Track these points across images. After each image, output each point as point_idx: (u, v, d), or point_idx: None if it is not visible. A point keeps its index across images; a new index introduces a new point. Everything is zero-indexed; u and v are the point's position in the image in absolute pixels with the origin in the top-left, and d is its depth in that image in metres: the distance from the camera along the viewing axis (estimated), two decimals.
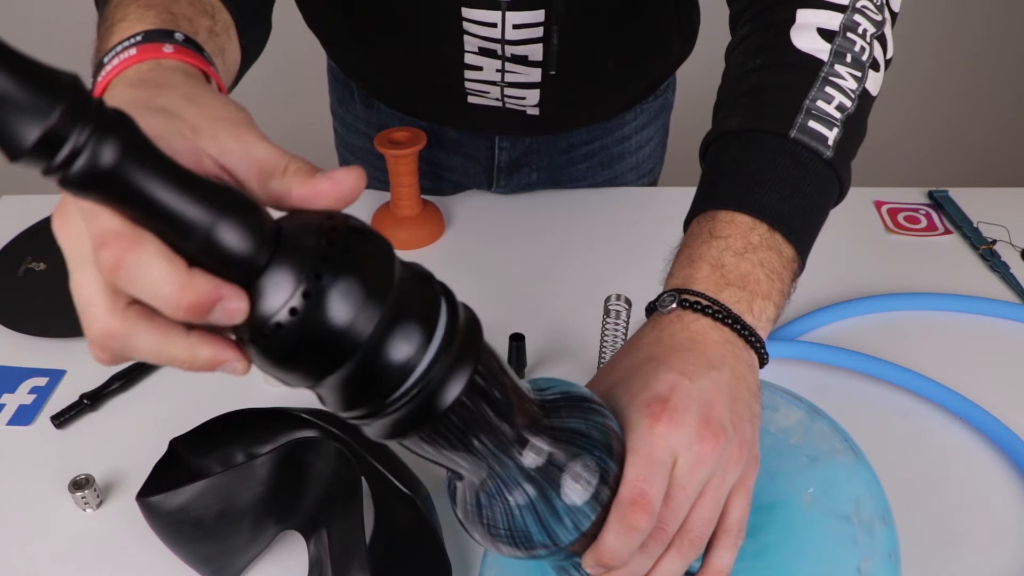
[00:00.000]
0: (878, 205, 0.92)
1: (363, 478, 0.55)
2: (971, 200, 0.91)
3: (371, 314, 0.29)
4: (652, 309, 0.48)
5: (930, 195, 0.93)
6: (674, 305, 0.46)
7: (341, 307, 0.29)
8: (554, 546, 0.38)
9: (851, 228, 0.89)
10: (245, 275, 0.29)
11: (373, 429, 0.33)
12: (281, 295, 0.28)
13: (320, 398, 0.33)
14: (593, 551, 0.39)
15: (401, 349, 0.31)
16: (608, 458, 0.38)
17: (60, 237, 0.31)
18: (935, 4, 2.05)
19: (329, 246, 0.29)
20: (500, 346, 0.71)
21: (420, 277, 0.33)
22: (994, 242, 0.85)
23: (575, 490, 0.37)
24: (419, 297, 0.32)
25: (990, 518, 0.60)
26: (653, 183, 1.03)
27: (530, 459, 0.37)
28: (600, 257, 0.84)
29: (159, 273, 0.27)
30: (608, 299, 0.67)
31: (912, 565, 0.56)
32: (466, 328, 0.33)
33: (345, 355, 0.30)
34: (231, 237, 0.28)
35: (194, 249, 0.28)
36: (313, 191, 0.30)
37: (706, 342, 0.44)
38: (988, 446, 0.65)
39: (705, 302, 0.45)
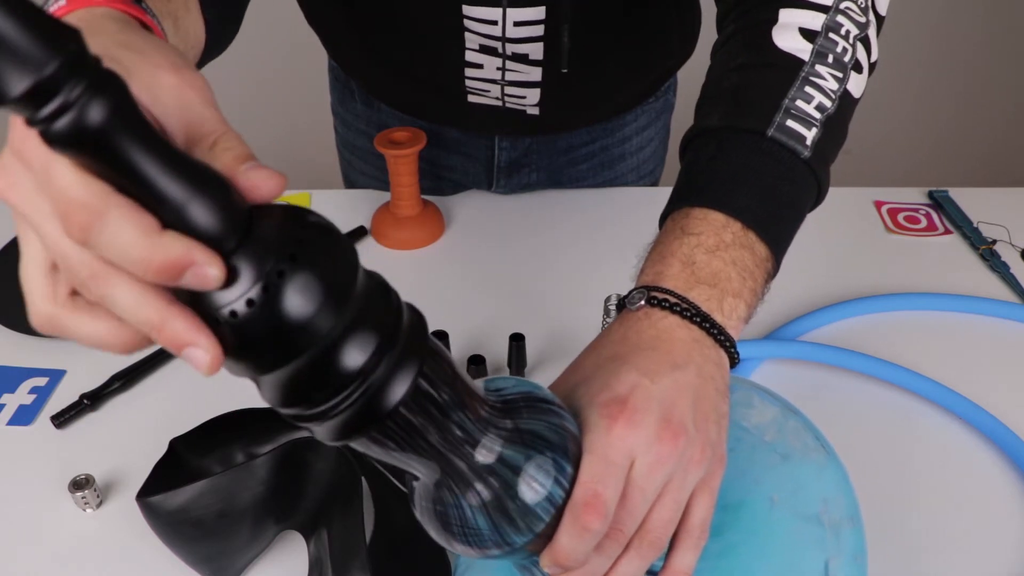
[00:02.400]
0: (878, 205, 0.92)
1: (363, 478, 0.55)
2: (971, 200, 0.91)
3: (325, 319, 0.29)
4: (622, 306, 0.47)
5: (930, 195, 0.93)
6: (642, 302, 0.45)
7: (298, 307, 0.28)
8: (507, 546, 0.38)
9: (851, 228, 0.89)
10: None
11: (321, 431, 0.33)
12: (240, 285, 0.28)
13: (257, 386, 0.33)
14: (549, 552, 0.39)
15: (351, 356, 0.31)
16: (563, 460, 0.38)
17: (10, 198, 0.30)
18: (935, 4, 2.05)
19: (297, 244, 0.29)
20: (500, 346, 0.71)
21: (381, 288, 0.33)
22: (994, 242, 0.85)
23: (527, 492, 0.37)
24: (377, 307, 0.32)
25: (990, 518, 0.60)
26: (654, 184, 1.03)
27: (483, 461, 0.37)
28: (601, 257, 0.84)
29: (128, 238, 0.27)
30: (608, 299, 0.67)
31: (912, 565, 0.56)
32: (410, 329, 0.33)
33: (291, 356, 0.29)
34: (202, 216, 0.27)
35: (163, 220, 0.27)
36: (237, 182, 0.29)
37: (672, 340, 0.44)
38: (988, 446, 0.65)
39: (673, 299, 0.45)
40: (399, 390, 0.32)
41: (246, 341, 0.29)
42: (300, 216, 0.30)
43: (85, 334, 0.31)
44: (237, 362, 0.30)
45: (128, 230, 0.27)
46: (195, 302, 0.29)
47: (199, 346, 0.29)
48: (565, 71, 0.76)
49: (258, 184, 0.29)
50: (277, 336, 0.29)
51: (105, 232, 0.27)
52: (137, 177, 0.26)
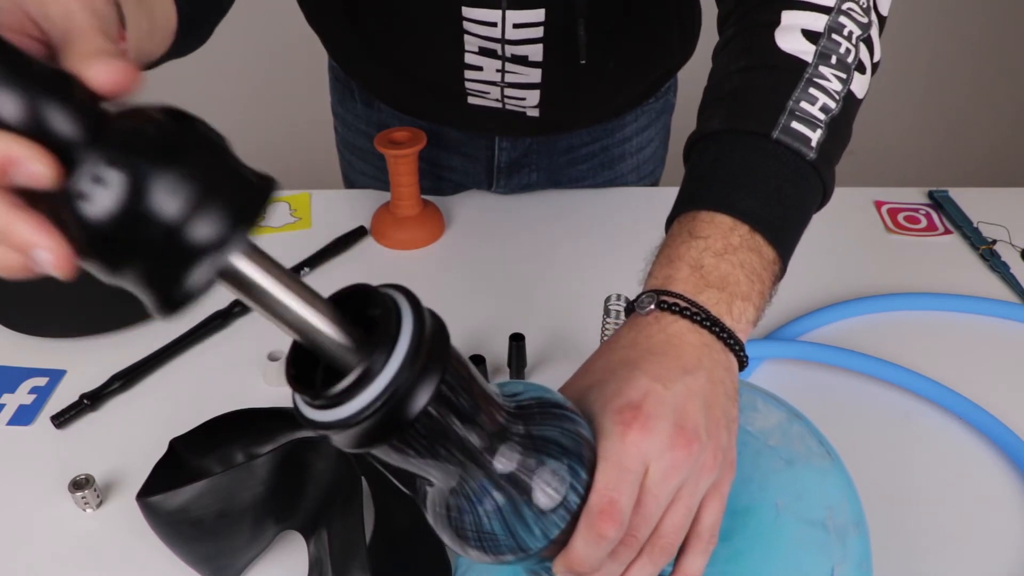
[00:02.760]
0: (878, 205, 0.92)
1: (363, 478, 0.55)
2: (971, 200, 0.91)
3: (171, 203, 0.28)
4: (631, 310, 0.47)
5: (930, 195, 0.93)
6: (652, 306, 0.45)
7: (144, 194, 0.28)
8: (523, 552, 0.38)
9: (851, 228, 0.89)
10: (59, 157, 0.28)
11: (341, 440, 0.33)
12: (82, 180, 0.28)
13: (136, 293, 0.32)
14: (563, 558, 0.39)
15: (200, 233, 0.29)
16: (579, 466, 0.38)
17: None
18: (935, 5, 2.05)
19: (141, 132, 0.28)
20: (500, 346, 0.71)
21: (246, 179, 0.31)
22: (994, 242, 0.85)
23: (544, 498, 0.37)
24: (235, 191, 0.30)
25: (990, 519, 0.60)
26: (654, 184, 1.03)
27: (499, 467, 0.37)
28: (600, 257, 0.84)
29: None
30: (608, 299, 0.67)
31: (911, 565, 0.56)
32: (433, 336, 0.33)
33: (141, 244, 0.28)
34: (51, 116, 0.27)
35: (9, 120, 0.27)
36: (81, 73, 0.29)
37: (682, 345, 0.44)
38: (988, 446, 0.65)
39: (683, 304, 0.45)
40: (422, 398, 0.32)
41: (88, 236, 0.28)
42: (156, 109, 0.29)
43: None
44: (89, 261, 0.29)
45: None
46: (50, 207, 0.28)
47: (43, 247, 0.28)
48: (583, 62, 0.75)
49: (101, 78, 0.29)
50: (115, 228, 0.28)
51: None
52: None
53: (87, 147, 0.28)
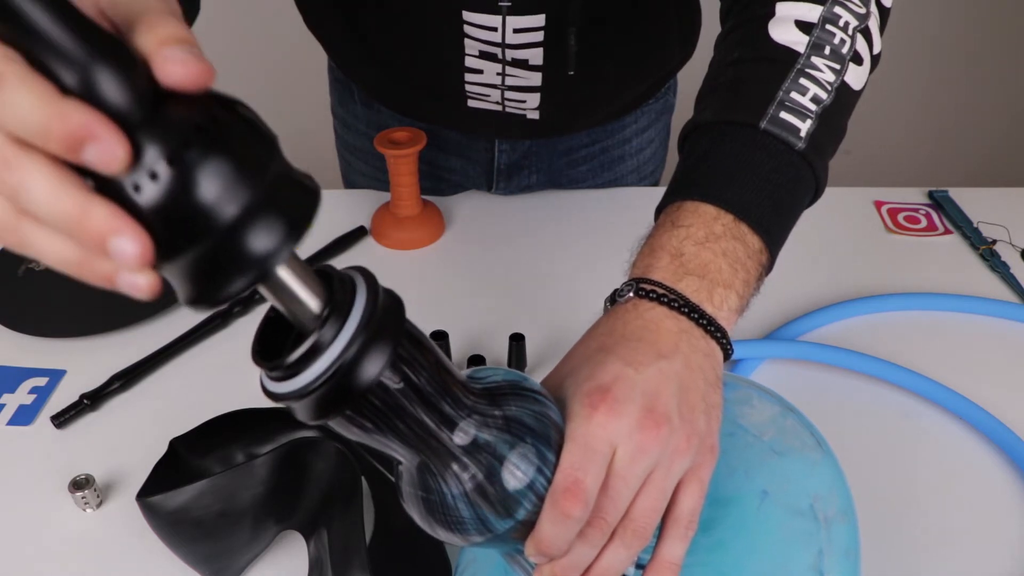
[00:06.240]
0: (878, 205, 0.92)
1: (363, 478, 0.55)
2: (971, 200, 0.91)
3: (231, 200, 0.27)
4: (614, 300, 0.47)
5: (930, 195, 0.93)
6: (631, 294, 0.46)
7: (203, 184, 0.26)
8: (489, 533, 0.38)
9: (851, 228, 0.89)
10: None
11: (299, 410, 0.34)
12: (145, 159, 0.26)
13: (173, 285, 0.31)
14: (532, 539, 0.39)
15: (257, 242, 0.28)
16: (546, 448, 0.38)
17: None
18: (935, 4, 2.05)
19: (210, 122, 0.27)
20: (500, 346, 0.71)
21: (301, 184, 0.30)
22: (994, 242, 0.85)
23: (508, 478, 0.37)
24: (291, 198, 0.29)
25: (990, 518, 0.60)
26: (655, 185, 1.03)
27: (463, 445, 0.37)
28: (600, 257, 0.84)
29: (26, 101, 0.25)
30: (607, 300, 0.67)
31: (911, 565, 0.56)
32: (385, 310, 0.34)
33: (197, 236, 0.27)
34: (106, 83, 0.25)
35: (66, 86, 0.25)
36: (155, 64, 0.27)
37: (659, 331, 0.44)
38: (988, 446, 0.65)
39: (661, 291, 0.45)
40: (372, 369, 0.33)
41: (148, 217, 0.27)
42: (217, 96, 0.28)
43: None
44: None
45: (26, 93, 0.25)
46: (101, 192, 0.27)
47: (125, 233, 0.26)
48: (571, 73, 0.76)
49: (170, 67, 0.26)
50: (180, 214, 0.27)
51: (2, 96, 0.25)
52: (34, 33, 0.25)
53: (143, 130, 0.26)
